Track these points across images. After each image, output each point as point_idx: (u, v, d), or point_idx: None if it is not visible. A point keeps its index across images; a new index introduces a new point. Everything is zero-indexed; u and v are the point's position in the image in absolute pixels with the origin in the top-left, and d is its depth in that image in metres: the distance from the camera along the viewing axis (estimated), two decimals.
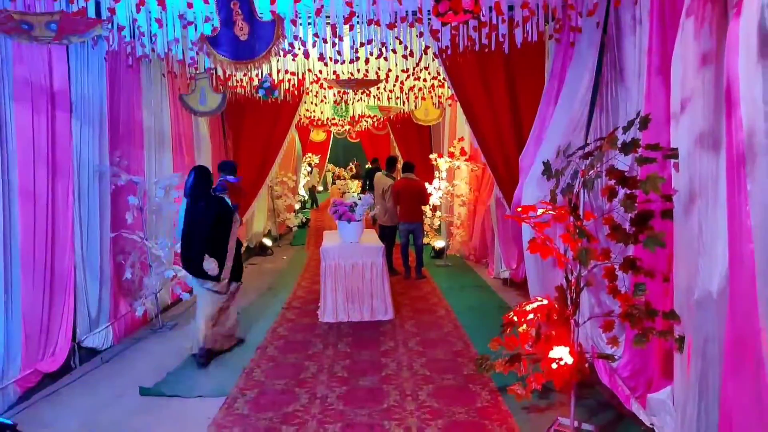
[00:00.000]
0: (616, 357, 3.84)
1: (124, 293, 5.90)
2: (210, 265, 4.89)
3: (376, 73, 6.92)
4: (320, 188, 23.46)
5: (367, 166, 19.40)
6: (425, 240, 9.52)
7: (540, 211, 3.64)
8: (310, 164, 20.00)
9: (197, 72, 6.64)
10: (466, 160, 8.94)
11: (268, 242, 10.99)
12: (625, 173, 3.23)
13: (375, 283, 5.95)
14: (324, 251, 6.00)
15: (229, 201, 5.40)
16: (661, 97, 3.46)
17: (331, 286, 5.92)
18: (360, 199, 6.67)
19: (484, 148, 6.57)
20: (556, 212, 3.47)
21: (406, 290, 7.46)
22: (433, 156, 9.15)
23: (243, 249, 10.01)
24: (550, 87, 5.54)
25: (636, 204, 3.12)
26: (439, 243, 9.66)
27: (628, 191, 3.14)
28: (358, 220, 6.12)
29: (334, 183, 24.18)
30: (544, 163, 4.00)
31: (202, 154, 8.26)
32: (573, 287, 3.53)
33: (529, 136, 5.86)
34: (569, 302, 3.56)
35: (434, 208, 9.35)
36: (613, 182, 3.23)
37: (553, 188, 3.78)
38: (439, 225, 9.77)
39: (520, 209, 3.79)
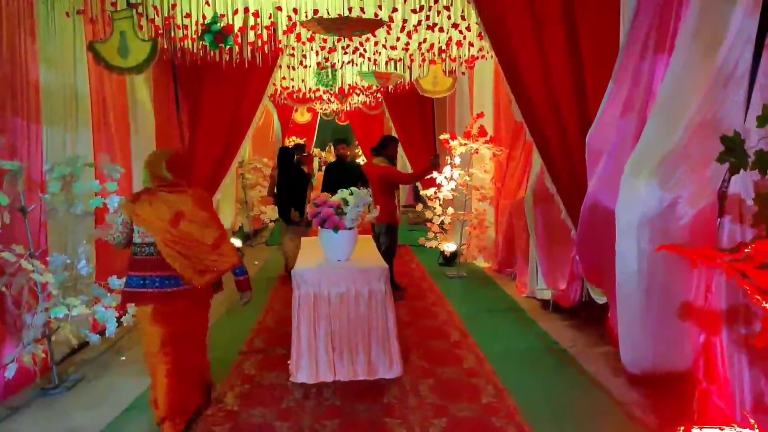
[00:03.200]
0: None
1: None
2: None
3: (375, 14, 4.89)
4: None
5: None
6: (432, 243, 7.55)
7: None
8: None
9: (115, 10, 4.58)
10: (486, 141, 6.95)
11: (237, 242, 8.96)
12: None
13: (375, 323, 3.97)
14: (298, 275, 3.99)
15: None
16: None
17: (308, 328, 3.93)
18: (352, 195, 4.72)
19: (531, 121, 4.59)
20: None
21: (412, 317, 5.49)
22: (444, 137, 7.14)
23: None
24: (636, 32, 3.59)
25: None
26: (449, 246, 7.68)
27: None
28: (350, 228, 4.13)
29: (320, 169, 22.11)
30: (725, 139, 2.04)
31: (142, 129, 6.20)
32: None
33: (604, 101, 3.91)
34: None
35: (445, 204, 7.36)
36: None
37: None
38: (441, 224, 7.77)
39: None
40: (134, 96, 6.10)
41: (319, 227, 4.17)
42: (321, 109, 16.44)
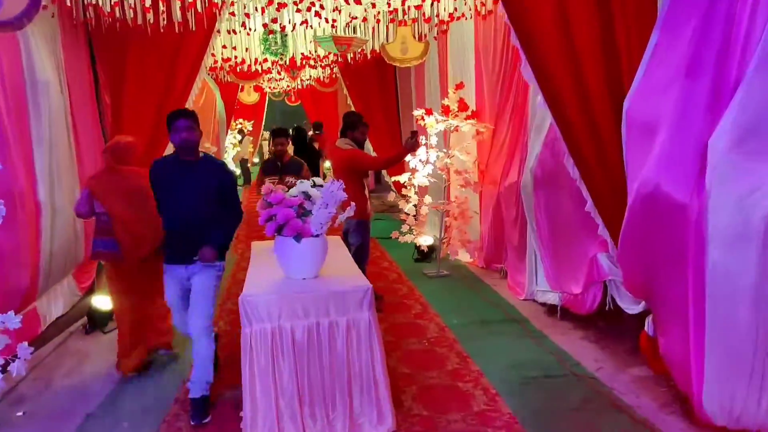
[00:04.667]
0: None
1: None
2: None
3: None
4: (255, 159, 19.93)
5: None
6: (406, 237, 6.50)
7: None
8: (241, 131, 16.51)
9: None
10: (468, 117, 5.92)
11: None
12: None
13: (358, 365, 2.89)
14: (247, 303, 2.85)
15: None
16: None
17: (267, 377, 2.81)
18: (315, 186, 3.66)
19: (545, 83, 3.56)
20: None
21: (396, 337, 4.43)
22: (418, 113, 6.06)
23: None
24: None
25: None
26: (425, 240, 6.65)
27: None
28: (317, 235, 3.01)
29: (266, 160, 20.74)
30: None
31: (46, 110, 4.87)
32: None
33: (646, 59, 2.95)
34: None
35: (420, 191, 6.31)
36: None
37: None
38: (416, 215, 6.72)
39: None
40: (33, 71, 4.75)
41: (275, 234, 3.04)
42: (269, 87, 15.10)
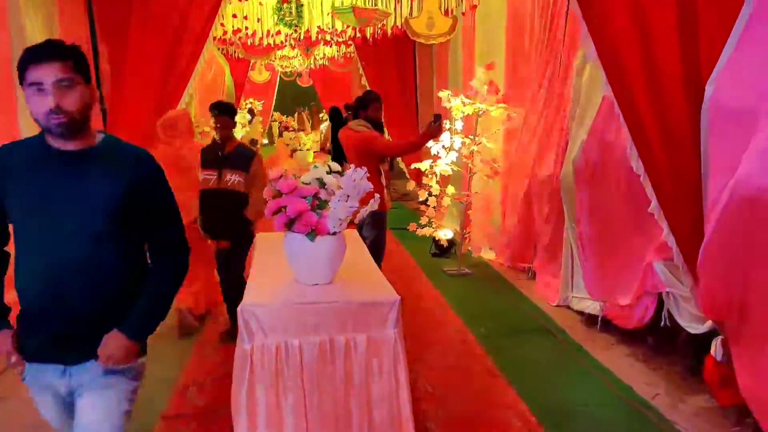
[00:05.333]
0: None
1: None
2: None
3: None
4: (264, 141, 19.37)
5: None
6: (426, 231, 5.98)
7: None
8: (251, 111, 15.99)
9: None
10: (498, 101, 5.36)
11: None
12: None
13: (379, 392, 2.37)
14: (247, 313, 2.33)
15: None
16: None
17: (266, 401, 2.30)
18: (330, 172, 3.17)
19: (608, 59, 2.99)
20: None
21: (417, 348, 3.88)
22: (443, 95, 5.50)
23: None
24: None
25: None
26: (445, 234, 6.12)
27: None
28: (334, 233, 2.48)
29: (281, 135, 20.14)
30: None
31: None
32: None
33: (736, 32, 2.41)
34: None
35: (442, 181, 5.77)
36: None
37: None
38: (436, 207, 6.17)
39: None
40: (22, 39, 4.23)
41: (284, 229, 2.51)
42: (281, 66, 14.55)
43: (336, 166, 3.42)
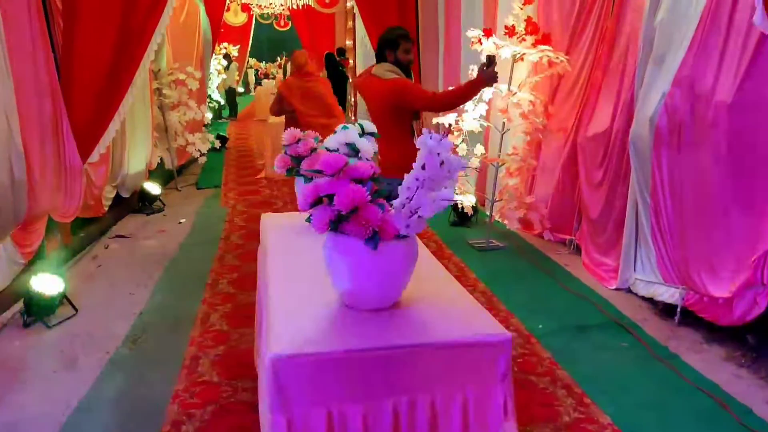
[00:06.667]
0: None
1: None
2: None
3: None
4: (240, 89, 18.08)
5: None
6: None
7: None
8: (227, 56, 14.71)
9: None
10: (537, 42, 4.47)
11: (153, 188, 6.26)
12: None
13: None
14: (281, 368, 1.49)
15: None
16: None
17: None
18: (363, 134, 2.40)
19: None
20: None
21: None
22: (474, 34, 4.56)
23: (105, 204, 5.38)
24: None
25: None
26: (468, 200, 5.30)
27: None
28: (406, 236, 1.63)
29: (259, 83, 18.80)
30: None
31: None
32: None
33: None
34: None
35: (465, 139, 4.91)
36: None
37: None
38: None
39: None
40: None
41: (326, 230, 1.65)
42: (258, 7, 13.28)
43: (371, 126, 2.58)
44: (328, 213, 1.61)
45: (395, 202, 1.62)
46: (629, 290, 3.88)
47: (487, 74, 3.23)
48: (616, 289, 3.91)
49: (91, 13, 4.37)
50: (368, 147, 2.41)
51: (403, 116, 3.37)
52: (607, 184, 4.14)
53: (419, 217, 1.55)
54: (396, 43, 3.43)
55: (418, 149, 1.61)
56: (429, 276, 1.94)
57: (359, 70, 11.08)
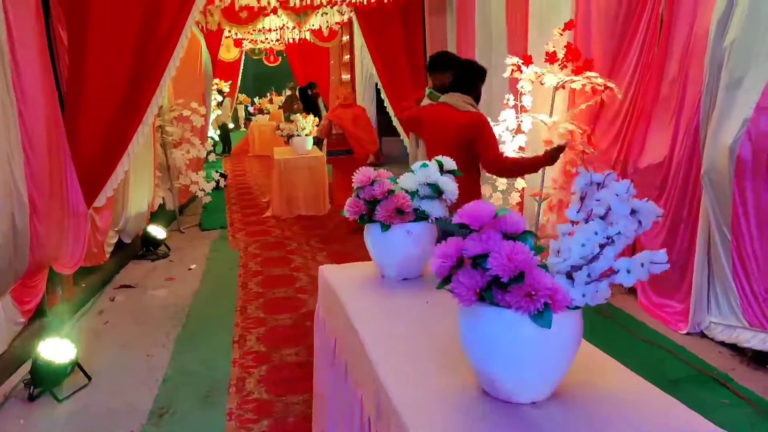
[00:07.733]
0: None
1: None
2: None
3: None
4: (230, 125, 17.74)
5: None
6: None
7: None
8: (220, 92, 14.42)
9: None
10: (579, 69, 4.20)
11: (158, 232, 5.83)
12: None
13: None
14: None
15: None
16: None
17: None
18: (444, 173, 2.05)
19: None
20: None
21: None
22: (511, 62, 4.28)
23: (107, 251, 4.94)
24: None
25: None
26: None
27: None
28: (577, 307, 1.26)
29: (248, 118, 18.49)
30: None
31: None
32: None
33: None
34: None
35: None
36: None
37: None
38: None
39: None
40: None
41: (462, 297, 1.27)
42: (252, 42, 13.10)
43: (450, 163, 2.25)
44: (477, 280, 1.24)
45: (552, 262, 1.26)
46: (702, 334, 3.52)
47: (553, 158, 3.06)
48: (688, 334, 3.55)
49: (102, 49, 4.07)
50: (452, 187, 2.08)
51: (471, 153, 3.06)
52: (668, 220, 3.82)
53: (610, 284, 1.18)
54: (482, 76, 3.22)
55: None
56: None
57: (361, 102, 10.84)
